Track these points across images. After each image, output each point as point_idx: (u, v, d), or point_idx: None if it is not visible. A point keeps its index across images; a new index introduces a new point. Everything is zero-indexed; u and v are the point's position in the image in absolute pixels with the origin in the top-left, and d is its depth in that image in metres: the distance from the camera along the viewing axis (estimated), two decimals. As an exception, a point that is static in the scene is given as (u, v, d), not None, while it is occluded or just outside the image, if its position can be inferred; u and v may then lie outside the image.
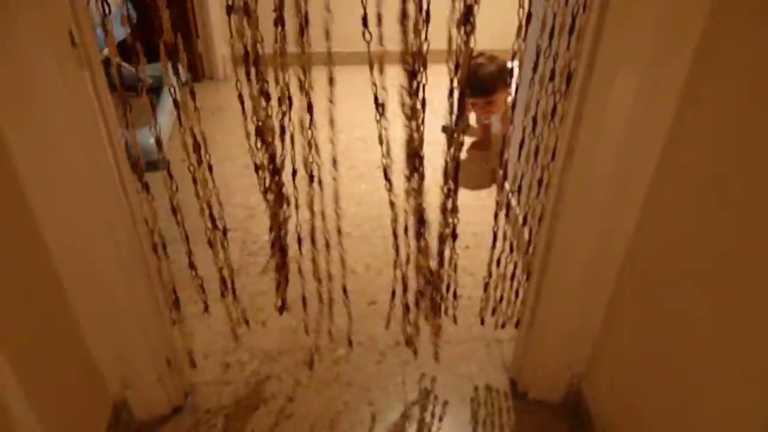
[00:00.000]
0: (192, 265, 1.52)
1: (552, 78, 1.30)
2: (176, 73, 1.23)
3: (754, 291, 0.95)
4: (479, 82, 2.51)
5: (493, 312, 1.79)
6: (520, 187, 1.52)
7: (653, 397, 1.29)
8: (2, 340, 1.08)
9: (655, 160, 1.25)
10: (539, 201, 1.48)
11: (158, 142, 1.31)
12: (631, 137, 1.24)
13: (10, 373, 1.10)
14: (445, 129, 2.80)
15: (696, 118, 1.13)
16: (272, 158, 1.39)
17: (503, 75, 2.52)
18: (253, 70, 1.26)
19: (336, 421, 1.65)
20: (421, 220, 1.45)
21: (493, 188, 2.72)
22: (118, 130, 1.18)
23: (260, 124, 1.32)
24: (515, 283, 1.68)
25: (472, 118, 3.11)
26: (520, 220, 1.63)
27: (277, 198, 1.47)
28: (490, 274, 1.66)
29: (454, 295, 1.70)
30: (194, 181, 1.38)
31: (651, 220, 1.30)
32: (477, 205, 2.60)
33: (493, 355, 1.88)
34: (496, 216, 1.52)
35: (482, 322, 1.83)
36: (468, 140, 3.02)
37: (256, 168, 1.42)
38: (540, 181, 1.45)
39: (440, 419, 1.67)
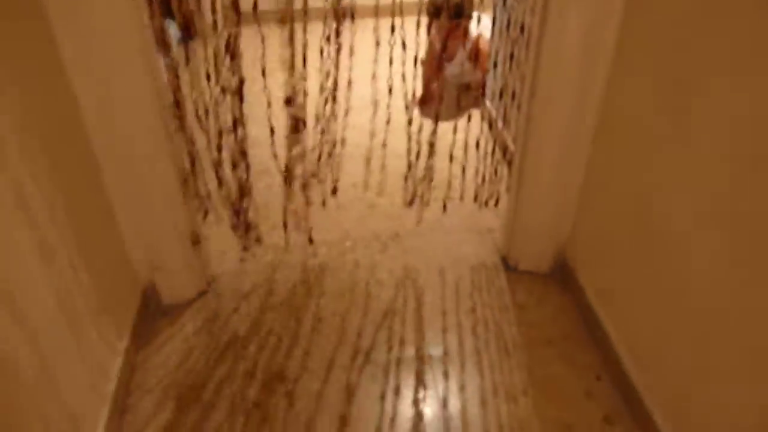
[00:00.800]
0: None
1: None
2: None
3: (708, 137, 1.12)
4: (452, 5, 2.68)
5: (475, 198, 1.96)
6: (495, 63, 1.69)
7: (630, 253, 1.46)
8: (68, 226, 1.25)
9: (619, 25, 1.43)
10: (512, 75, 1.66)
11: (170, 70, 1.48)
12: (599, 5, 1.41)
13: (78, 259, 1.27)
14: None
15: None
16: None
17: (471, 3, 2.72)
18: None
19: (348, 293, 1.83)
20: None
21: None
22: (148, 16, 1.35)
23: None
24: (494, 162, 1.85)
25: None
26: (497, 96, 1.81)
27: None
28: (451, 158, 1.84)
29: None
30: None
31: (618, 85, 1.46)
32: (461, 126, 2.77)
33: (486, 241, 2.06)
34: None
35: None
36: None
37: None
38: (512, 56, 1.62)
39: (443, 292, 1.84)
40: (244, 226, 1.81)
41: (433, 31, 2.65)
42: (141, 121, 1.46)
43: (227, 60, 1.44)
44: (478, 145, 1.81)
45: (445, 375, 1.56)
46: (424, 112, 2.84)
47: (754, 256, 1.00)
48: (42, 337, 1.13)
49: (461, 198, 2.07)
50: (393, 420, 1.45)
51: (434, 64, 2.94)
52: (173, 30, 2.86)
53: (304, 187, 1.85)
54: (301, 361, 1.61)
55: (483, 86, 2.70)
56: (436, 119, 1.74)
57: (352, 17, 1.60)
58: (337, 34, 1.64)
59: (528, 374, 1.56)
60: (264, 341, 1.67)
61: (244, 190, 1.69)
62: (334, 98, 1.80)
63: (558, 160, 1.68)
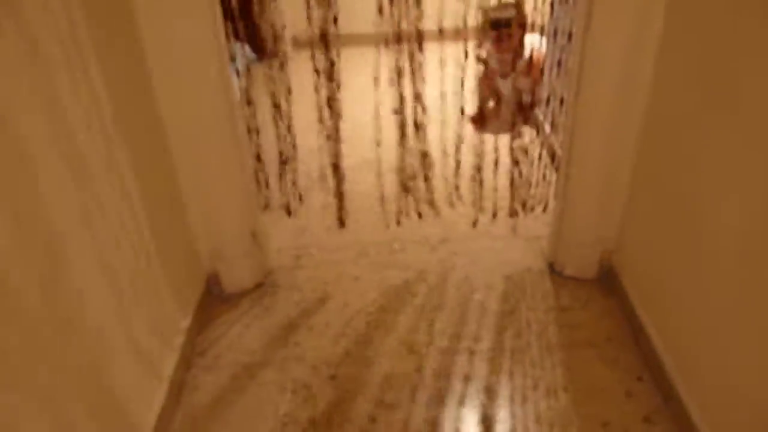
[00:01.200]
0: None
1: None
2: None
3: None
4: (502, 13, 2.76)
5: (523, 206, 2.01)
6: (541, 70, 1.76)
7: (676, 258, 1.46)
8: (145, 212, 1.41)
9: (662, 28, 1.47)
10: (560, 81, 1.72)
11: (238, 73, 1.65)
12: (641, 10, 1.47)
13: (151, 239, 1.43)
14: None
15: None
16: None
17: (522, 15, 2.78)
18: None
19: (395, 292, 1.91)
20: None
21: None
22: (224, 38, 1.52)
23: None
24: (542, 167, 1.91)
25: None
26: (543, 102, 1.87)
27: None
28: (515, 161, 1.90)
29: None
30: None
31: (662, 88, 1.50)
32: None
33: (533, 247, 2.10)
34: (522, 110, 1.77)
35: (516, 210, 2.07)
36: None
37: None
38: (559, 63, 1.69)
39: (489, 293, 1.89)
40: (337, 204, 1.96)
41: (489, 47, 2.73)
42: (211, 117, 1.62)
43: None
44: (526, 152, 1.88)
45: (490, 369, 1.61)
46: (478, 130, 2.92)
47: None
48: (121, 287, 1.29)
49: (515, 204, 2.13)
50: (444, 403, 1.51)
51: (491, 82, 3.01)
52: (247, 51, 3.17)
53: (407, 190, 2.00)
54: (348, 349, 1.69)
55: (534, 100, 2.75)
56: (512, 131, 1.83)
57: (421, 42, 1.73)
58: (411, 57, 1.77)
59: (569, 372, 1.58)
60: (314, 330, 1.77)
61: (337, 168, 1.84)
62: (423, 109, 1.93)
63: (604, 164, 1.72)
